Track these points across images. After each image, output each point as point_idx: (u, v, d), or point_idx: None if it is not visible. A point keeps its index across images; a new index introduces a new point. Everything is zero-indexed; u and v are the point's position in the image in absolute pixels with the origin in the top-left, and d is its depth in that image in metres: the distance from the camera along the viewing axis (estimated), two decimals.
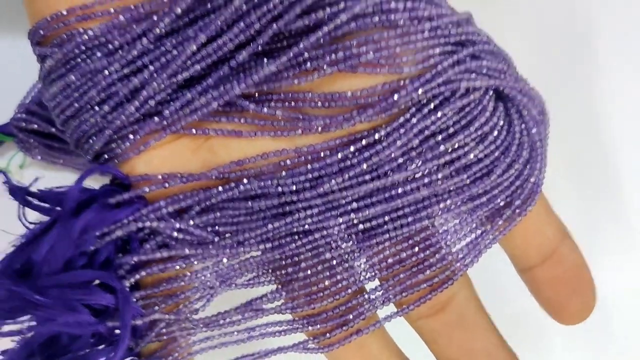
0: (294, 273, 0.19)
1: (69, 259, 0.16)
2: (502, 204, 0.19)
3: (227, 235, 0.19)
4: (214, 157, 0.19)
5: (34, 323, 0.16)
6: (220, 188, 0.18)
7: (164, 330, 0.19)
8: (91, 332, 0.17)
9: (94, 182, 0.19)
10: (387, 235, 0.19)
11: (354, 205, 0.18)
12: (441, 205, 0.19)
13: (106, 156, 0.19)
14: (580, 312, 0.21)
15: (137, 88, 0.18)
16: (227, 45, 0.17)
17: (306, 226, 0.19)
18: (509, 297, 0.26)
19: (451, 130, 0.18)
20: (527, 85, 0.19)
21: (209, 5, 0.18)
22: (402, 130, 0.18)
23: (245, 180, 0.18)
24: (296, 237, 0.19)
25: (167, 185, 0.18)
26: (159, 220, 0.18)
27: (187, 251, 0.18)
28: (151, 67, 0.18)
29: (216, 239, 0.19)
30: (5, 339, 0.17)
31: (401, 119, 0.18)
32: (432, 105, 0.18)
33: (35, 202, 0.18)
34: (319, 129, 0.18)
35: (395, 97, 0.18)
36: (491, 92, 0.19)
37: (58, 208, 0.17)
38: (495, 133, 0.19)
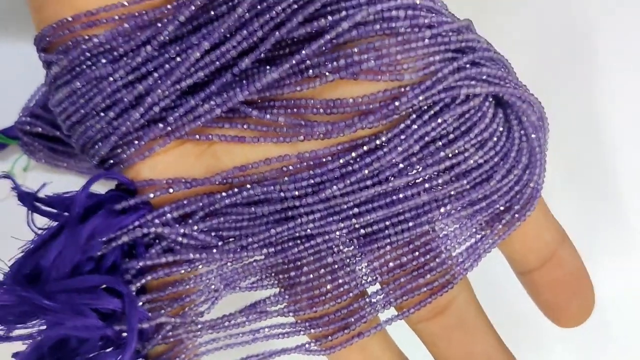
0: (296, 277, 0.19)
1: (76, 264, 0.17)
2: (501, 208, 0.20)
3: (230, 239, 0.19)
4: (217, 162, 0.19)
5: (43, 327, 0.17)
6: (223, 193, 0.19)
7: (170, 332, 0.19)
8: (99, 335, 0.17)
9: (100, 187, 0.19)
10: (388, 240, 0.19)
11: (356, 210, 0.19)
12: (441, 210, 0.19)
13: (111, 161, 0.19)
14: (578, 315, 0.21)
15: (142, 94, 0.18)
16: (230, 52, 0.18)
17: (308, 231, 0.19)
18: (508, 300, 0.26)
19: (451, 136, 0.18)
20: (527, 91, 0.19)
21: (212, 13, 0.18)
22: (402, 136, 0.18)
23: (248, 186, 0.19)
24: (298, 241, 0.19)
25: (171, 190, 0.18)
26: (163, 225, 0.18)
27: (191, 255, 0.18)
28: (155, 74, 0.18)
29: (220, 243, 0.19)
30: (16, 342, 0.17)
31: (402, 125, 0.18)
32: (432, 112, 0.18)
33: (43, 207, 0.18)
34: (321, 135, 0.18)
35: (396, 103, 0.18)
36: (491, 99, 0.19)
37: (65, 214, 0.18)
38: (495, 139, 0.19)
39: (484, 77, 0.18)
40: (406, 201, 0.19)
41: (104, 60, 0.18)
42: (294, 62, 0.17)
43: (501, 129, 0.19)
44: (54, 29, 0.18)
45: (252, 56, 0.18)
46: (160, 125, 0.18)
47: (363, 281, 0.20)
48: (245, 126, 0.18)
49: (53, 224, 0.18)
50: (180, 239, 0.18)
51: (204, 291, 0.19)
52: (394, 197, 0.19)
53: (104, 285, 0.17)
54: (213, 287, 0.19)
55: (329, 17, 0.17)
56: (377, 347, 0.21)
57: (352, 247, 0.19)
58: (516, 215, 0.20)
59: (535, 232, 0.20)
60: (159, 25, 0.18)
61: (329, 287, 0.19)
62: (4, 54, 0.29)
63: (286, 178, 0.19)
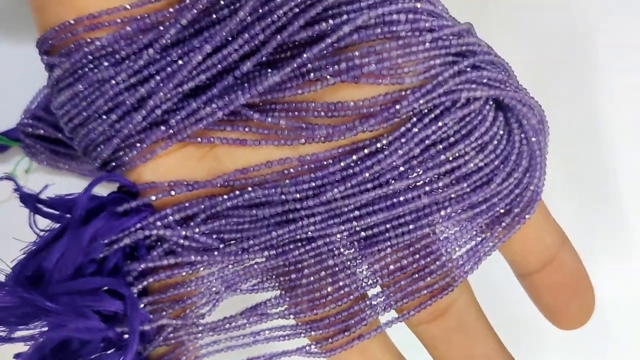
0: (297, 279, 0.19)
1: (78, 266, 0.17)
2: (501, 211, 0.20)
3: (232, 242, 0.19)
4: (219, 165, 0.19)
5: (45, 329, 0.17)
6: (225, 196, 0.19)
7: (172, 334, 0.19)
8: (101, 337, 0.17)
9: (102, 189, 0.19)
10: (389, 243, 0.19)
11: (356, 213, 0.19)
12: (442, 213, 0.19)
13: (113, 164, 0.19)
14: (579, 317, 0.21)
15: (144, 97, 0.18)
16: (232, 55, 0.18)
17: (309, 233, 0.19)
18: (508, 302, 0.26)
19: (452, 139, 0.19)
20: (527, 94, 0.19)
21: (214, 17, 0.18)
22: (403, 140, 0.18)
23: (249, 188, 0.19)
24: (299, 244, 0.19)
25: (173, 192, 0.18)
26: (165, 228, 0.18)
27: (193, 258, 0.18)
28: (157, 77, 0.18)
29: (221, 245, 0.19)
30: (18, 344, 0.17)
31: (402, 129, 0.18)
32: (433, 115, 0.18)
33: (45, 209, 0.18)
34: (322, 138, 0.18)
35: (397, 107, 0.18)
36: (491, 102, 0.19)
37: (67, 216, 0.18)
38: (495, 142, 0.19)
39: (485, 80, 0.19)
40: (407, 204, 0.19)
41: (106, 63, 0.18)
42: (295, 65, 0.17)
43: (501, 132, 0.19)
44: (57, 31, 0.18)
45: (253, 59, 0.18)
46: (162, 128, 0.18)
47: (363, 284, 0.20)
48: (246, 129, 0.19)
49: (55, 225, 0.18)
50: (181, 241, 0.18)
51: (205, 293, 0.19)
52: (395, 200, 0.19)
53: (106, 287, 0.17)
54: (214, 289, 0.19)
55: (330, 21, 0.17)
56: (378, 350, 0.21)
57: (353, 249, 0.19)
58: (516, 218, 0.20)
59: (536, 235, 0.21)
60: (161, 28, 0.18)
61: (329, 289, 0.19)
62: (6, 56, 0.29)
63: (287, 181, 0.19)
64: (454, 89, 0.18)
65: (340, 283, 0.19)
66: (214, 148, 0.19)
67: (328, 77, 0.18)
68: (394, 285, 0.20)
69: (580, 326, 0.21)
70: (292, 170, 0.19)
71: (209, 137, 0.19)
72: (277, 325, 0.20)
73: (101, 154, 0.19)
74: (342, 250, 0.19)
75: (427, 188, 0.19)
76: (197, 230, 0.18)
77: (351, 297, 0.20)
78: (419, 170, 0.19)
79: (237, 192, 0.19)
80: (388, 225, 0.19)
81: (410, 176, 0.19)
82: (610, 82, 0.31)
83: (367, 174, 0.18)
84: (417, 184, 0.19)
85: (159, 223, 0.18)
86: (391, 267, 0.20)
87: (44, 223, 0.18)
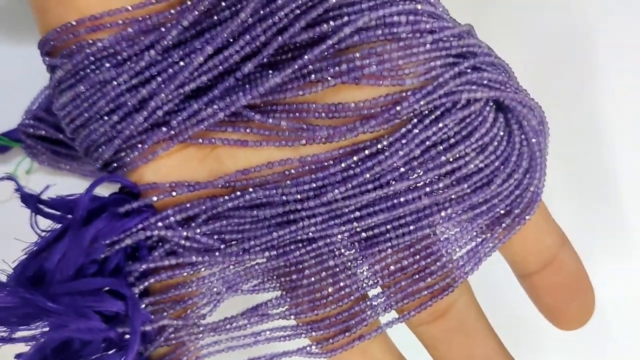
0: (298, 280, 0.19)
1: (80, 266, 0.17)
2: (502, 212, 0.20)
3: (233, 242, 0.19)
4: (220, 166, 0.19)
5: (46, 329, 0.17)
6: (226, 197, 0.19)
7: (173, 335, 0.19)
8: (102, 337, 0.17)
9: (103, 189, 0.19)
10: (389, 243, 0.19)
11: (357, 213, 0.19)
12: (442, 213, 0.19)
13: (115, 165, 0.19)
14: (579, 318, 0.21)
15: (146, 98, 0.18)
16: (233, 57, 0.18)
17: (310, 234, 0.19)
18: (509, 303, 0.26)
19: (452, 140, 0.19)
20: (527, 96, 0.19)
21: (215, 18, 0.18)
22: (404, 141, 0.18)
23: (250, 189, 0.19)
24: (300, 244, 0.19)
25: (174, 193, 0.19)
26: (167, 228, 0.18)
27: (194, 258, 0.18)
28: (159, 78, 0.18)
29: (222, 246, 0.19)
30: (20, 344, 0.17)
31: (403, 130, 0.18)
32: (433, 116, 0.18)
33: (47, 209, 0.18)
34: (323, 139, 0.18)
35: (398, 108, 0.18)
36: (491, 103, 0.19)
37: (69, 216, 0.18)
38: (496, 143, 0.19)
39: (485, 81, 0.19)
40: (407, 205, 0.19)
41: (107, 65, 0.18)
42: (296, 66, 0.18)
43: (502, 133, 0.19)
44: (58, 33, 0.18)
45: (255, 61, 0.18)
46: (164, 129, 0.18)
47: (364, 284, 0.20)
48: (248, 130, 0.19)
49: (56, 226, 0.18)
50: (183, 241, 0.18)
51: (206, 294, 0.19)
52: (395, 201, 0.19)
53: (107, 288, 0.18)
54: (215, 289, 0.19)
55: (332, 23, 0.17)
56: (378, 350, 0.21)
57: (354, 250, 0.19)
58: (516, 219, 0.20)
59: (536, 236, 0.21)
60: (163, 29, 0.18)
61: (330, 290, 0.19)
62: (8, 56, 0.30)
63: (288, 182, 0.19)
64: (455, 90, 0.18)
65: (341, 284, 0.19)
66: (215, 149, 0.19)
67: (329, 78, 0.18)
68: (395, 285, 0.20)
69: (580, 327, 0.21)
70: (293, 171, 0.19)
71: (210, 138, 0.19)
72: (278, 326, 0.20)
73: (103, 155, 0.19)
74: (342, 250, 0.19)
75: (427, 189, 0.19)
76: (198, 230, 0.18)
77: (352, 297, 0.20)
78: (419, 171, 0.19)
79: (238, 193, 0.19)
80: (389, 226, 0.19)
81: (410, 177, 0.19)
82: (610, 82, 0.31)
83: (367, 175, 0.18)
84: (418, 184, 0.19)
85: (160, 224, 0.18)
86: (392, 267, 0.20)
87: (45, 223, 0.18)
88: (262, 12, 0.17)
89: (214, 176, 0.19)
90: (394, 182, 0.19)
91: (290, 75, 0.18)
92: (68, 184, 0.28)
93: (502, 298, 0.26)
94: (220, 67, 0.18)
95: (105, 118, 0.18)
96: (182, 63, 0.18)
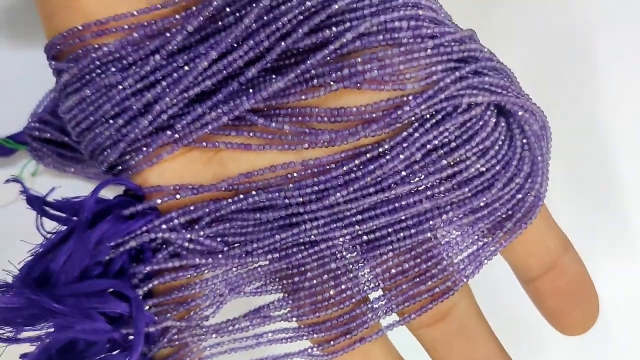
0: (300, 282, 0.20)
1: (85, 268, 0.17)
2: (503, 216, 0.20)
3: (236, 245, 0.19)
4: (223, 169, 0.19)
5: (52, 330, 0.17)
6: (229, 200, 0.19)
7: (176, 336, 0.19)
8: (106, 338, 0.17)
9: (108, 192, 0.19)
10: (390, 247, 0.19)
11: (359, 217, 0.19)
12: (443, 217, 0.19)
13: (120, 167, 0.19)
14: (582, 323, 0.21)
15: (150, 102, 0.18)
16: (237, 61, 0.18)
17: (312, 237, 0.19)
18: (509, 306, 0.26)
19: (453, 144, 0.19)
20: (529, 100, 0.20)
21: (220, 24, 0.18)
22: (405, 144, 0.18)
23: (253, 192, 0.19)
24: (302, 247, 0.19)
25: (178, 196, 0.19)
26: (170, 231, 0.18)
27: (197, 260, 0.19)
28: (164, 83, 0.18)
29: (225, 249, 0.19)
30: (25, 344, 0.17)
31: (404, 134, 0.19)
32: (434, 120, 0.19)
33: (52, 211, 0.18)
34: (325, 143, 0.19)
35: (399, 112, 0.18)
36: (493, 108, 0.19)
37: (74, 218, 0.18)
38: (497, 147, 0.19)
39: (486, 86, 0.19)
40: (408, 208, 0.19)
41: (113, 69, 0.18)
42: (299, 71, 0.18)
43: (503, 137, 0.19)
44: (65, 37, 0.19)
45: (258, 65, 0.18)
46: (168, 132, 0.19)
47: (365, 287, 0.20)
48: (251, 134, 0.19)
49: (62, 228, 0.18)
50: (186, 244, 0.19)
51: (209, 296, 0.19)
52: (397, 205, 0.19)
53: (112, 289, 0.18)
54: (218, 291, 0.20)
55: (334, 28, 0.17)
56: (379, 353, 0.21)
57: (355, 253, 0.20)
58: (518, 223, 0.20)
59: (538, 240, 0.21)
60: (168, 34, 0.18)
61: (332, 292, 0.20)
62: (14, 60, 0.30)
63: (291, 185, 0.19)
64: (456, 95, 0.18)
65: (343, 286, 0.20)
66: (219, 152, 0.19)
67: (331, 83, 0.18)
68: (396, 288, 0.20)
69: (584, 332, 0.21)
70: (295, 174, 0.19)
71: (214, 141, 0.19)
72: (279, 328, 0.21)
73: (108, 158, 0.19)
74: (344, 253, 0.20)
75: (428, 192, 0.19)
76: (201, 233, 0.19)
77: (353, 300, 0.20)
78: (420, 175, 0.19)
79: (242, 196, 0.19)
80: (390, 230, 0.19)
81: (412, 181, 0.19)
82: (611, 83, 0.31)
83: (369, 179, 0.19)
84: (419, 188, 0.19)
85: (164, 226, 0.18)
86: (393, 270, 0.20)
87: (50, 225, 0.18)
88: (265, 17, 0.18)
89: (218, 179, 0.19)
90: (395, 186, 0.19)
91: (293, 80, 0.18)
92: (73, 187, 0.29)
93: (502, 301, 0.26)
94: (224, 72, 0.18)
95: (111, 121, 0.19)
96: (186, 68, 0.18)
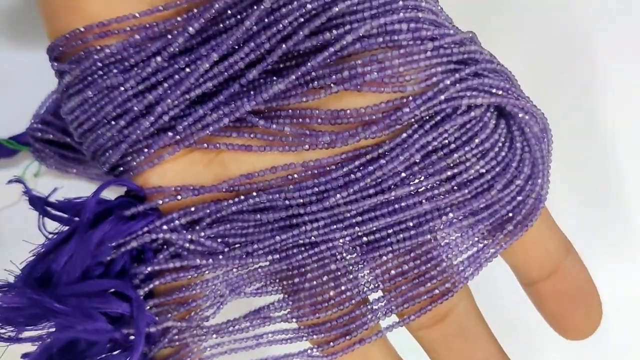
0: (300, 283, 0.20)
1: (86, 268, 0.17)
2: (503, 218, 0.20)
3: (236, 246, 0.19)
4: (224, 170, 0.19)
5: (53, 329, 0.17)
6: (230, 201, 0.19)
7: (176, 336, 0.19)
8: (107, 338, 0.17)
9: (110, 192, 0.19)
10: (390, 248, 0.19)
11: (359, 218, 0.19)
12: (443, 219, 0.19)
13: (121, 168, 0.19)
14: (586, 327, 0.21)
15: (152, 104, 0.18)
16: (238, 63, 0.18)
17: (312, 238, 0.19)
18: (508, 308, 0.26)
19: (452, 146, 0.19)
20: (530, 102, 0.20)
21: (221, 26, 0.18)
22: (404, 146, 0.19)
23: (254, 193, 0.19)
24: (302, 248, 0.19)
25: (179, 197, 0.19)
26: (171, 231, 0.19)
27: (198, 261, 0.19)
28: (165, 84, 0.18)
29: (226, 249, 0.19)
30: (26, 344, 0.17)
31: (404, 135, 0.19)
32: (433, 122, 0.19)
33: (54, 212, 0.18)
34: (325, 144, 0.19)
35: (399, 114, 0.18)
36: (492, 110, 0.19)
37: (76, 219, 0.18)
38: (497, 149, 0.19)
39: (486, 88, 0.19)
40: (408, 210, 0.19)
41: (115, 71, 0.18)
42: (299, 73, 0.18)
43: (503, 139, 0.19)
44: (67, 39, 0.19)
45: (259, 67, 0.18)
46: (170, 133, 0.19)
47: (365, 288, 0.20)
48: (252, 135, 0.19)
49: (63, 228, 0.18)
50: (187, 245, 0.19)
51: (209, 296, 0.20)
52: (396, 206, 0.19)
53: (113, 290, 0.18)
54: (219, 292, 0.20)
55: (334, 31, 0.18)
56: (378, 353, 0.21)
57: (355, 254, 0.20)
58: (519, 226, 0.20)
59: (539, 243, 0.21)
60: (170, 36, 0.18)
61: (331, 293, 0.20)
62: (17, 61, 0.30)
63: (291, 186, 0.19)
64: (455, 96, 0.18)
65: (342, 287, 0.20)
66: (220, 154, 0.19)
67: (331, 85, 0.18)
68: (395, 290, 0.20)
69: (587, 336, 0.21)
70: (296, 175, 0.19)
71: (215, 143, 0.19)
72: (279, 329, 0.21)
73: (109, 159, 0.19)
74: (344, 255, 0.20)
75: (428, 194, 0.19)
76: (202, 234, 0.19)
77: (353, 301, 0.20)
78: (420, 176, 0.19)
79: (242, 197, 0.19)
80: (390, 231, 0.19)
81: (411, 182, 0.19)
82: (612, 85, 0.31)
83: (368, 180, 0.19)
84: (419, 190, 0.19)
85: (165, 227, 0.19)
86: (392, 272, 0.20)
87: (52, 226, 0.19)
88: (266, 20, 0.18)
89: (219, 180, 0.19)
90: (395, 187, 0.19)
91: (293, 82, 0.18)
92: (75, 188, 0.29)
93: (501, 303, 0.26)
94: (226, 74, 0.18)
95: (113, 123, 0.19)
96: (188, 69, 0.18)
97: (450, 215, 0.19)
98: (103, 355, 0.18)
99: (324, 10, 0.18)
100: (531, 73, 0.28)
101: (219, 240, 0.19)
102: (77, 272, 0.17)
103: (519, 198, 0.20)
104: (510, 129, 0.19)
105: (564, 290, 0.20)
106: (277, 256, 0.19)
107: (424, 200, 0.19)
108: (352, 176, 0.19)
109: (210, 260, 0.19)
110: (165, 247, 0.19)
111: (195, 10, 0.18)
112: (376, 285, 0.20)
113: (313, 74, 0.18)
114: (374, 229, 0.19)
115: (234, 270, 0.20)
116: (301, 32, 0.18)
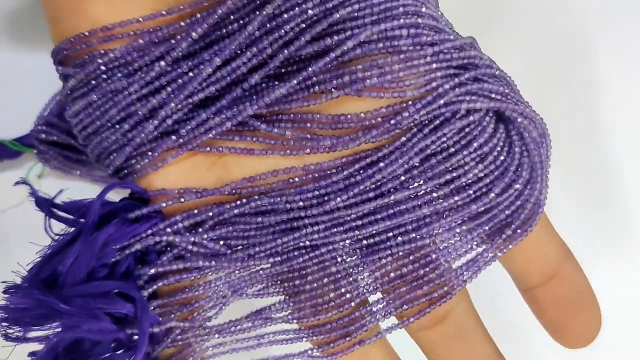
0: (301, 285, 0.20)
1: (91, 270, 0.17)
2: (502, 223, 0.20)
3: (238, 248, 0.20)
4: (227, 173, 0.20)
5: (59, 329, 0.17)
6: (232, 203, 0.19)
7: (179, 336, 0.19)
8: (112, 338, 0.18)
9: (114, 194, 0.20)
10: (390, 251, 0.19)
11: (359, 222, 0.19)
12: (442, 222, 0.19)
13: (125, 171, 0.20)
14: (585, 334, 0.20)
15: (156, 108, 0.19)
16: (241, 68, 0.18)
17: (313, 241, 0.19)
18: (506, 310, 0.26)
19: (451, 149, 0.19)
20: (529, 107, 0.20)
21: (224, 31, 0.19)
22: (403, 149, 0.19)
23: (256, 197, 0.19)
24: (303, 251, 0.20)
25: (182, 200, 0.19)
26: (175, 234, 0.19)
27: (201, 263, 0.19)
28: (169, 88, 0.18)
29: (228, 251, 0.19)
30: (33, 343, 0.18)
31: (403, 139, 0.19)
32: (432, 126, 0.19)
33: (60, 213, 0.19)
34: (326, 148, 0.19)
35: (398, 118, 0.18)
36: (491, 114, 0.19)
37: (81, 220, 0.18)
38: (495, 153, 0.19)
39: (485, 92, 0.19)
40: (407, 213, 0.19)
41: (119, 74, 0.19)
42: (301, 78, 0.18)
43: (502, 143, 0.19)
44: (71, 43, 0.19)
45: (261, 72, 0.18)
46: (173, 137, 0.19)
47: (365, 290, 0.20)
48: (254, 139, 0.19)
49: (69, 229, 0.19)
50: (190, 247, 0.19)
51: (212, 297, 0.20)
52: (396, 210, 0.19)
53: (117, 291, 0.18)
54: (221, 293, 0.20)
55: (335, 36, 0.18)
56: (378, 355, 0.21)
57: (355, 257, 0.20)
58: (518, 231, 0.20)
59: (537, 248, 0.21)
60: (173, 41, 0.18)
61: (332, 295, 0.20)
62: (21, 64, 0.30)
63: (292, 190, 0.19)
64: (454, 100, 0.19)
65: (342, 289, 0.20)
66: (223, 157, 0.20)
67: (332, 90, 0.18)
68: (394, 292, 0.20)
69: (586, 344, 0.20)
70: (297, 179, 0.19)
71: (218, 146, 0.19)
72: (280, 329, 0.21)
73: (114, 162, 0.19)
74: (344, 257, 0.20)
75: (427, 197, 0.19)
76: (205, 236, 0.19)
77: (352, 303, 0.20)
78: (419, 180, 0.19)
79: (244, 200, 0.19)
80: (389, 234, 0.19)
81: (411, 186, 0.19)
82: (612, 87, 0.31)
83: (368, 183, 0.19)
84: (418, 193, 0.19)
85: (168, 229, 0.19)
86: (392, 274, 0.20)
87: (58, 227, 0.19)
88: (268, 25, 0.18)
89: (221, 183, 0.19)
90: (394, 191, 0.19)
91: (295, 87, 0.18)
92: (79, 189, 0.29)
93: (499, 305, 0.26)
94: (228, 78, 0.18)
95: (117, 126, 0.19)
96: (191, 74, 0.18)
97: (449, 219, 0.19)
98: (107, 355, 0.18)
99: (326, 16, 0.18)
100: (531, 74, 0.28)
101: (222, 242, 0.19)
102: (83, 273, 0.17)
103: (518, 202, 0.20)
104: (509, 133, 0.20)
105: (563, 296, 0.20)
106: (279, 258, 0.20)
107: (422, 204, 0.19)
108: (352, 179, 0.19)
109: (213, 262, 0.19)
110: (168, 249, 0.19)
111: (198, 15, 0.19)
112: (375, 287, 0.20)
113: (314, 78, 0.18)
114: (374, 232, 0.19)
115: (236, 271, 0.20)
116: (303, 38, 0.18)
